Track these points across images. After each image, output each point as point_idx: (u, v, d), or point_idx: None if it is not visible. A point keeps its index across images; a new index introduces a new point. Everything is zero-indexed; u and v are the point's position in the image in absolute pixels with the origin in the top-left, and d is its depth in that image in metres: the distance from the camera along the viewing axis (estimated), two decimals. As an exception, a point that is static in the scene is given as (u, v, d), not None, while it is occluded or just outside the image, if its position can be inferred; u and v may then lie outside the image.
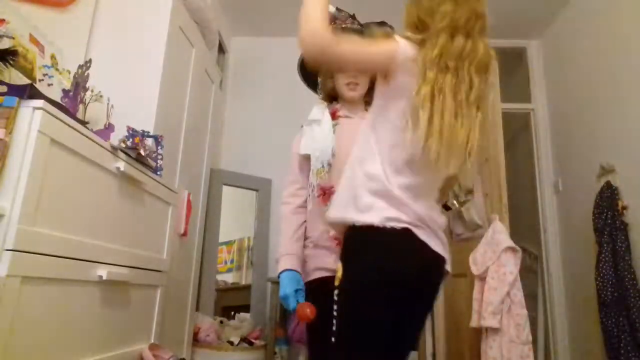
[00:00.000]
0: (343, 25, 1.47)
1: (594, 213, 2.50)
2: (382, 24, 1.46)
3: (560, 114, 3.23)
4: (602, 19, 2.72)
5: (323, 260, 1.33)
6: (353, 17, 1.53)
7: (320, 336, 1.24)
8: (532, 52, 3.51)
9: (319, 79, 1.54)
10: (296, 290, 1.29)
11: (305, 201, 1.42)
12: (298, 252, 1.37)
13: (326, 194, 1.34)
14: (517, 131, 3.62)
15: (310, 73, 1.56)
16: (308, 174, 1.42)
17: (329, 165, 1.36)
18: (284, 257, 1.36)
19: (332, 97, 1.51)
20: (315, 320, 1.21)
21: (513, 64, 3.62)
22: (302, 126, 1.49)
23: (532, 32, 3.42)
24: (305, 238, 1.40)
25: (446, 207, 2.87)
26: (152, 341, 1.64)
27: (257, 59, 3.54)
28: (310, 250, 1.37)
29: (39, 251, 1.02)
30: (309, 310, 1.21)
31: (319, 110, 1.46)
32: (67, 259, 1.13)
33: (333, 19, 1.49)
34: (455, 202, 2.76)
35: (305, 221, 1.41)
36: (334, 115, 1.45)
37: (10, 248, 0.94)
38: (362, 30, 1.47)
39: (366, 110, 1.50)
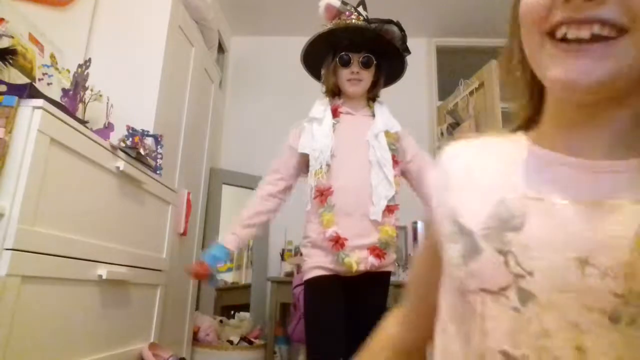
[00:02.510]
0: (347, 21, 1.41)
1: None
2: (388, 21, 1.41)
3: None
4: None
5: (320, 259, 1.34)
6: (360, 4, 1.45)
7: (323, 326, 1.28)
8: (532, 51, 3.50)
9: (322, 73, 1.51)
10: (214, 258, 1.37)
11: (281, 192, 1.44)
12: (243, 237, 1.42)
13: (323, 194, 1.34)
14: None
15: (314, 63, 1.53)
16: (294, 169, 1.44)
17: (328, 166, 1.35)
18: (229, 235, 1.41)
19: (334, 93, 1.48)
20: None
21: (513, 63, 3.61)
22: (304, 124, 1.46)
23: (532, 32, 3.41)
24: (304, 237, 1.41)
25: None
26: (152, 340, 1.64)
27: (257, 58, 3.53)
28: (308, 249, 1.38)
29: (38, 250, 1.02)
30: (200, 268, 1.36)
31: (321, 108, 1.44)
32: (67, 258, 1.13)
33: (337, 14, 1.43)
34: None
35: (271, 210, 1.44)
36: (335, 112, 1.44)
37: (10, 247, 0.94)
38: (367, 26, 1.40)
39: (369, 106, 1.49)
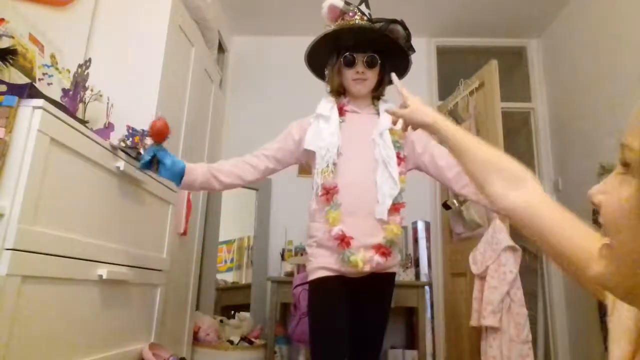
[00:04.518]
0: (351, 21, 1.41)
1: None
2: (393, 21, 1.41)
3: (560, 112, 3.23)
4: (601, 18, 2.72)
5: (325, 260, 1.33)
6: (363, 1, 1.44)
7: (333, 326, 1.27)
8: (532, 51, 3.50)
9: (326, 73, 1.51)
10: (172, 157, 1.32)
11: (261, 170, 1.42)
12: (196, 169, 1.35)
13: (329, 193, 1.34)
14: (517, 130, 3.62)
15: (317, 63, 1.53)
16: (284, 156, 1.44)
17: (334, 164, 1.35)
18: (188, 163, 1.36)
19: (339, 92, 1.48)
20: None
21: (513, 63, 3.62)
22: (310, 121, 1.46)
23: (531, 32, 3.42)
24: (310, 237, 1.40)
25: (446, 207, 2.87)
26: (152, 340, 1.64)
27: (257, 58, 3.53)
28: (314, 249, 1.38)
29: (38, 250, 1.02)
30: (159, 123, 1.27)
31: (327, 105, 1.44)
32: (67, 258, 1.13)
33: (341, 14, 1.42)
34: (455, 201, 2.76)
35: (239, 177, 1.40)
36: (340, 111, 1.44)
37: (10, 247, 0.94)
38: (372, 26, 1.39)
39: (374, 104, 1.49)
